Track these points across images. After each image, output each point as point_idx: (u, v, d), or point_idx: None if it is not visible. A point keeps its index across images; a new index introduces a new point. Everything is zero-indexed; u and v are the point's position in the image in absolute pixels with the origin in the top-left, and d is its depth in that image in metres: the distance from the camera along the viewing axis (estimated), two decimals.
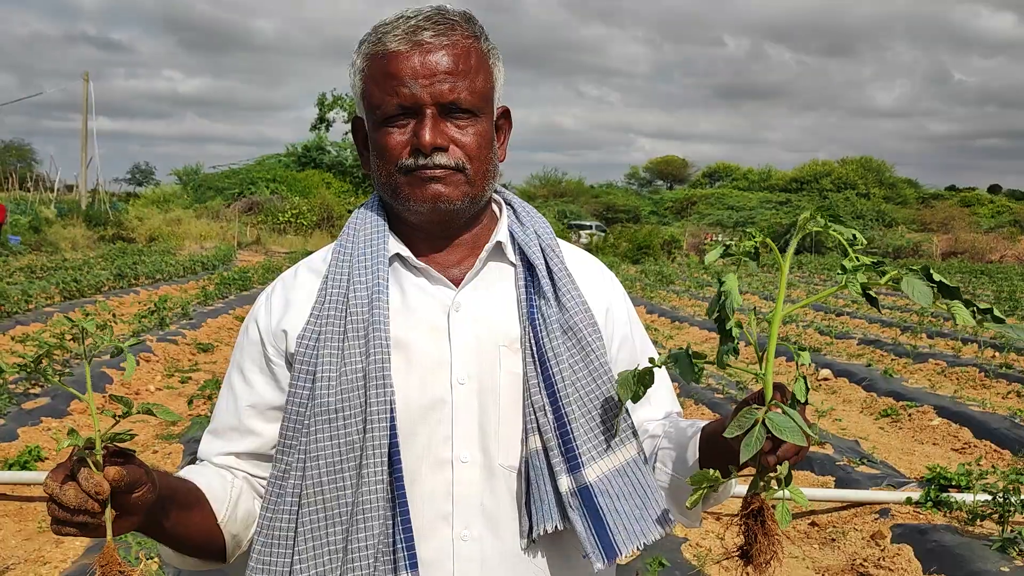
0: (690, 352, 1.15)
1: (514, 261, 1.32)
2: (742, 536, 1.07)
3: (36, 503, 4.89)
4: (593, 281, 1.37)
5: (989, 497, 4.48)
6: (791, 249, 1.08)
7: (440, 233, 1.31)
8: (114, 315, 10.99)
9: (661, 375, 1.32)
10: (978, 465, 5.49)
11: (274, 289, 1.35)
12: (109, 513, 1.00)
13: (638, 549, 1.24)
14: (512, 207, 1.39)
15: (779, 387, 1.10)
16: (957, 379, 8.74)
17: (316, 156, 41.65)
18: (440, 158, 1.23)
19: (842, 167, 52.17)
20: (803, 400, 1.08)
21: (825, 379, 8.94)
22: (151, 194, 41.16)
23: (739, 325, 1.11)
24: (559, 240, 1.38)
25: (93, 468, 0.99)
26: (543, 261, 1.31)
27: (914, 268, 1.05)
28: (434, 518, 1.22)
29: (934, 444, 6.68)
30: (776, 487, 1.06)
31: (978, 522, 4.54)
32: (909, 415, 7.34)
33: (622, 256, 28.47)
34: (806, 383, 1.08)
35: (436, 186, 1.24)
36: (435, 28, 1.23)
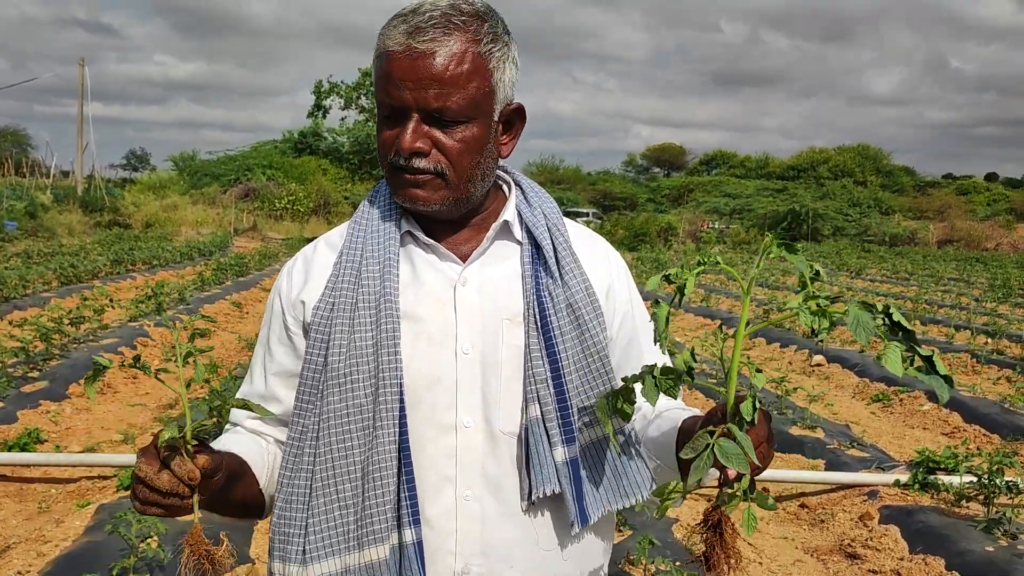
0: (655, 372, 1.17)
1: (520, 239, 1.38)
2: (703, 545, 1.14)
3: (36, 484, 4.95)
4: (596, 260, 1.42)
5: (975, 479, 4.55)
6: (751, 281, 1.10)
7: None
8: (112, 300, 11.02)
9: (664, 357, 1.34)
10: (965, 448, 5.57)
11: (295, 262, 1.43)
12: (197, 497, 1.11)
13: (602, 515, 1.32)
14: (521, 187, 1.44)
15: (741, 401, 1.11)
16: (949, 365, 8.81)
17: (312, 142, 41.54)
18: (419, 162, 1.27)
19: (839, 155, 52.12)
20: (750, 420, 1.09)
21: (818, 365, 9.01)
22: (147, 180, 41.04)
23: (692, 354, 1.17)
24: (566, 220, 1.43)
25: (185, 456, 1.10)
26: (549, 240, 1.36)
27: (873, 305, 1.05)
28: (439, 480, 1.30)
29: (924, 428, 6.75)
30: (742, 497, 1.11)
31: (964, 503, 4.61)
32: (900, 400, 7.42)
33: (618, 243, 28.50)
34: (754, 403, 1.10)
35: (414, 190, 1.29)
36: (432, 31, 1.23)
